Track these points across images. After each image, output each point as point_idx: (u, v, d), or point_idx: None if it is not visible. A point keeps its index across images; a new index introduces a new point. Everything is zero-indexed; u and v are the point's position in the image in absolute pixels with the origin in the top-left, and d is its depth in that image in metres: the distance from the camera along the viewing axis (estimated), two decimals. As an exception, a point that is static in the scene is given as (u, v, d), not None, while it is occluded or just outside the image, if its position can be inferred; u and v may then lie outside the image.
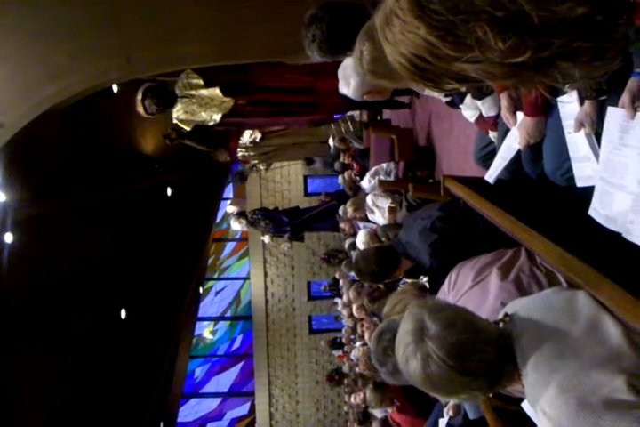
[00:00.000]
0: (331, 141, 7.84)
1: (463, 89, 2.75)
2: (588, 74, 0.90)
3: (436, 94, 3.02)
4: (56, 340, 7.96)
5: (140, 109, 5.62)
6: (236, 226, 9.36)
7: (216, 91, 5.72)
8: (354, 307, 6.42)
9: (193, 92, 5.71)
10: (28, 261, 7.27)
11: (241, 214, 9.44)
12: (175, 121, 5.92)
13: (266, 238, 10.19)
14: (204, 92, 5.69)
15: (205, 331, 15.03)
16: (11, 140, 5.35)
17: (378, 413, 5.38)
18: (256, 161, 8.70)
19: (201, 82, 5.71)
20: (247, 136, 8.27)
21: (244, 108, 6.04)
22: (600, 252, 1.66)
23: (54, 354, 8.02)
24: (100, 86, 5.16)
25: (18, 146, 5.65)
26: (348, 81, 2.93)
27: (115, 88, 6.80)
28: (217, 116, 5.85)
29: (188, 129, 6.06)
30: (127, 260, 9.27)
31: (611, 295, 1.40)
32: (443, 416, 3.61)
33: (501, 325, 1.46)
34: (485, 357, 1.33)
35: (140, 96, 5.56)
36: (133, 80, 5.45)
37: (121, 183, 8.57)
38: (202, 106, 5.78)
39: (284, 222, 9.13)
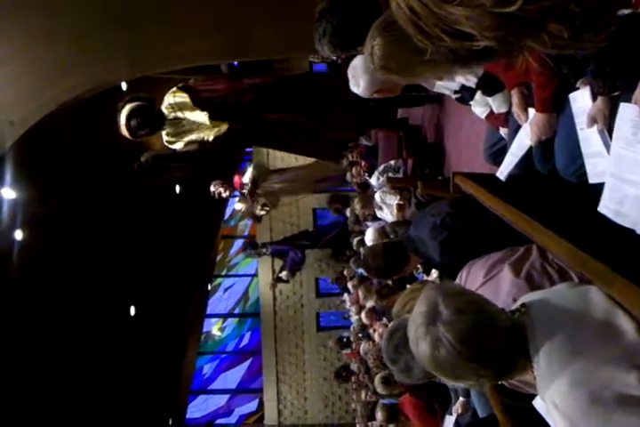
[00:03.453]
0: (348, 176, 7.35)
1: (471, 84, 2.73)
2: (576, 43, 0.91)
3: (446, 91, 3.02)
4: (64, 337, 8.01)
5: (125, 133, 4.83)
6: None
7: (204, 117, 5.02)
8: (363, 315, 6.44)
9: (179, 114, 5.02)
10: (38, 259, 7.31)
11: (253, 247, 9.48)
12: (165, 143, 5.29)
13: (284, 275, 10.20)
14: (191, 116, 5.02)
15: (214, 328, 15.07)
16: (20, 137, 5.38)
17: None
18: (262, 200, 8.29)
19: (187, 100, 4.97)
20: (249, 173, 7.75)
21: (239, 133, 5.41)
22: (612, 248, 1.65)
23: (62, 351, 8.07)
24: (109, 85, 5.17)
25: (27, 144, 5.68)
26: (358, 81, 2.92)
27: (124, 86, 6.82)
28: (210, 138, 5.22)
29: (177, 147, 5.33)
30: (136, 257, 9.31)
31: (623, 292, 1.39)
32: (451, 414, 3.61)
33: (516, 315, 1.45)
34: (495, 345, 1.32)
35: (123, 120, 4.74)
36: (142, 78, 5.43)
37: (129, 181, 8.61)
38: (192, 129, 5.16)
39: (299, 258, 9.26)
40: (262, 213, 8.48)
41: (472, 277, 2.23)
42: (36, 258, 7.23)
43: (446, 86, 2.94)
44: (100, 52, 4.52)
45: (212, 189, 7.36)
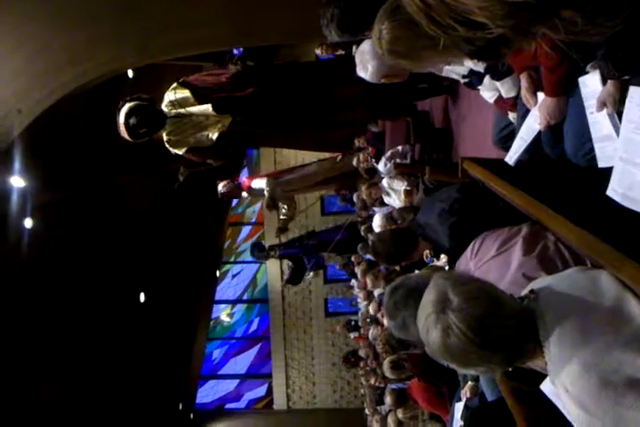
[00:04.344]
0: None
1: (479, 68, 2.71)
2: (590, 29, 0.90)
3: (454, 75, 3.00)
4: (75, 324, 8.08)
5: (125, 134, 4.59)
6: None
7: (208, 108, 4.74)
8: (370, 308, 6.45)
9: (182, 110, 4.76)
10: (48, 247, 7.36)
11: (260, 250, 9.41)
12: (166, 145, 4.93)
13: (309, 277, 10.18)
14: (193, 109, 4.77)
15: (223, 314, 15.18)
16: (28, 126, 5.39)
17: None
18: (283, 211, 7.89)
19: (189, 95, 4.74)
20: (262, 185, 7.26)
21: (243, 128, 5.07)
22: (622, 232, 1.65)
23: (73, 338, 8.14)
24: (117, 72, 5.16)
25: (36, 132, 5.70)
26: (366, 66, 2.92)
27: (130, 73, 6.81)
28: (214, 136, 4.89)
29: (180, 152, 4.98)
30: (145, 244, 9.36)
31: (633, 275, 1.40)
32: (460, 398, 3.63)
33: (526, 301, 1.45)
34: (506, 331, 1.33)
35: (122, 119, 4.52)
36: (149, 65, 5.42)
37: (137, 169, 8.63)
38: (195, 125, 4.87)
39: (322, 261, 9.28)
40: (283, 218, 8.40)
41: (484, 249, 2.23)
42: (45, 246, 7.28)
43: (454, 71, 2.93)
44: (108, 40, 4.51)
45: (220, 190, 7.18)
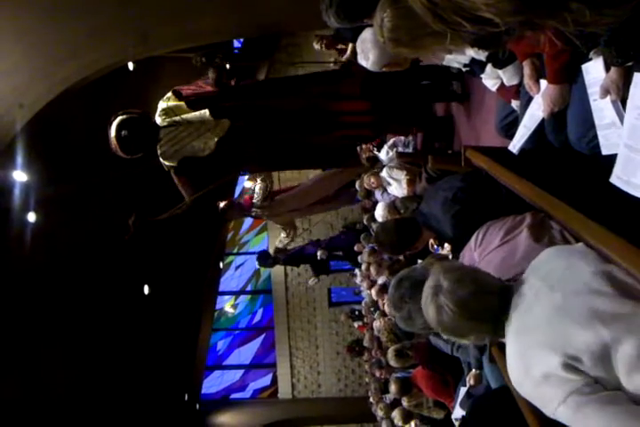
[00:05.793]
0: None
1: (481, 57, 2.70)
2: (599, 20, 0.90)
3: (455, 64, 2.99)
4: (79, 317, 8.12)
5: (117, 149, 4.33)
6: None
7: (205, 113, 4.47)
8: (373, 291, 6.43)
9: (177, 118, 4.47)
10: (51, 241, 7.38)
11: (265, 258, 9.39)
12: (161, 159, 4.58)
13: (311, 281, 10.30)
14: (189, 116, 4.49)
15: (227, 305, 15.23)
16: (30, 120, 5.38)
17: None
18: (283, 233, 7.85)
19: (182, 103, 4.46)
20: (258, 189, 7.00)
21: (242, 134, 4.72)
22: (626, 219, 1.66)
23: (77, 331, 8.18)
24: (118, 64, 5.13)
25: (38, 126, 5.69)
26: (367, 54, 2.91)
27: (131, 66, 6.78)
28: (212, 143, 4.56)
29: (174, 164, 4.62)
30: (148, 237, 9.36)
31: (638, 263, 1.40)
32: (465, 385, 3.65)
33: (511, 282, 1.67)
34: (489, 303, 1.57)
35: (113, 133, 4.27)
36: (150, 58, 5.39)
37: (139, 162, 8.61)
38: (191, 133, 4.54)
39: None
40: (287, 240, 8.28)
41: (489, 238, 2.24)
42: (49, 240, 7.30)
43: (456, 60, 2.92)
44: (109, 32, 4.48)
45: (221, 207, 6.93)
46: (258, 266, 10.96)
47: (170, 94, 4.51)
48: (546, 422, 1.50)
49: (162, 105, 4.50)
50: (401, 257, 5.19)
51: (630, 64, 1.66)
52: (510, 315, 1.54)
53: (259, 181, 6.95)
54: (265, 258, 9.38)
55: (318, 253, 9.00)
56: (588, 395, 1.29)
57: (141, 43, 4.64)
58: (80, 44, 4.58)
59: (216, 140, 4.53)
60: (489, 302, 1.57)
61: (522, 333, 1.49)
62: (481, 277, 1.66)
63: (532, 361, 1.42)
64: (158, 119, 4.51)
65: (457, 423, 3.74)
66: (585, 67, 1.88)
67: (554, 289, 1.45)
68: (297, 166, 6.85)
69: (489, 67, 2.67)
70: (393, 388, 4.76)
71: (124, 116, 4.31)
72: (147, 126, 4.43)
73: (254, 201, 6.94)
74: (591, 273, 1.43)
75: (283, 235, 7.99)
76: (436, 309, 1.59)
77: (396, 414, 5.24)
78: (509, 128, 2.66)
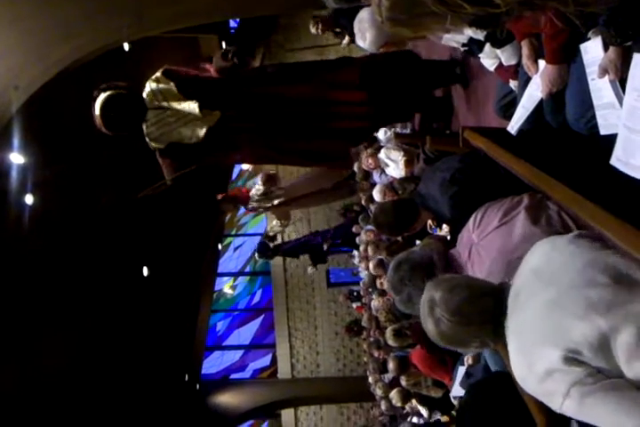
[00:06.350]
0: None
1: (479, 36, 2.68)
2: None
3: (454, 43, 2.97)
4: (79, 299, 8.15)
5: (102, 127, 4.10)
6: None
7: (194, 106, 4.17)
8: (371, 265, 6.41)
9: (164, 103, 4.20)
10: (49, 223, 7.38)
11: (264, 250, 9.38)
12: (147, 139, 4.32)
13: (309, 270, 10.36)
14: (177, 106, 4.21)
15: (225, 286, 15.30)
16: (26, 102, 5.35)
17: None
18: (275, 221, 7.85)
19: (173, 88, 4.18)
20: (258, 182, 6.91)
21: (234, 125, 4.41)
22: (624, 200, 1.66)
23: (77, 313, 8.22)
24: (113, 45, 5.09)
25: (33, 108, 5.65)
26: (364, 34, 2.89)
27: (126, 46, 6.71)
28: (201, 132, 4.28)
29: (160, 147, 4.35)
30: (147, 219, 9.37)
31: (638, 245, 1.41)
32: (463, 364, 3.69)
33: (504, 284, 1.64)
34: (484, 306, 1.56)
35: (97, 110, 4.04)
36: (145, 38, 5.34)
37: (136, 144, 8.58)
38: (179, 119, 4.27)
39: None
40: (279, 229, 8.29)
41: (487, 220, 2.24)
42: (47, 222, 7.29)
43: (454, 39, 2.90)
44: (103, 13, 4.43)
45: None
46: (258, 258, 11.04)
47: (159, 75, 4.21)
48: (549, 411, 1.51)
49: (151, 85, 4.23)
50: (399, 238, 5.20)
51: (629, 44, 1.65)
52: (508, 314, 1.54)
53: (262, 175, 7.03)
54: (265, 250, 9.43)
55: (325, 246, 9.09)
56: (590, 385, 1.29)
57: (136, 23, 4.58)
58: (74, 25, 4.53)
59: (205, 129, 4.26)
60: (484, 305, 1.56)
61: (520, 330, 1.49)
62: (473, 282, 1.68)
63: (533, 358, 1.41)
64: (145, 97, 4.25)
65: (455, 402, 3.79)
66: (583, 46, 1.87)
67: (548, 284, 1.44)
68: (287, 162, 6.26)
69: (487, 46, 2.66)
70: (391, 365, 4.82)
71: (111, 92, 4.06)
72: (134, 105, 4.17)
73: (252, 194, 6.95)
74: (584, 264, 1.42)
75: (275, 222, 8.02)
76: (434, 322, 1.60)
77: (394, 395, 5.31)
78: (507, 108, 2.66)
